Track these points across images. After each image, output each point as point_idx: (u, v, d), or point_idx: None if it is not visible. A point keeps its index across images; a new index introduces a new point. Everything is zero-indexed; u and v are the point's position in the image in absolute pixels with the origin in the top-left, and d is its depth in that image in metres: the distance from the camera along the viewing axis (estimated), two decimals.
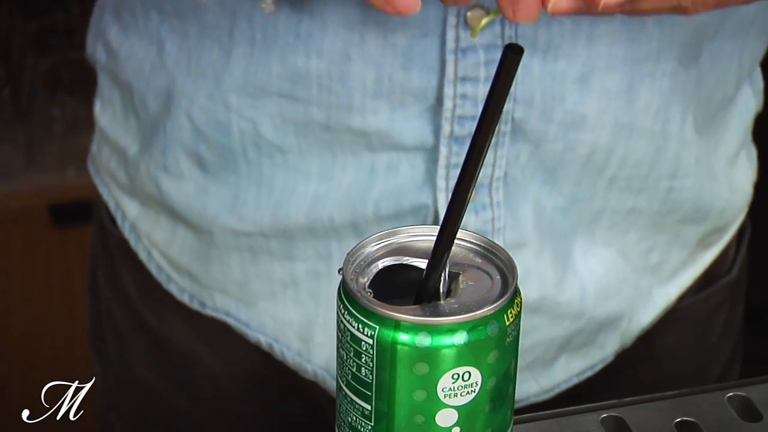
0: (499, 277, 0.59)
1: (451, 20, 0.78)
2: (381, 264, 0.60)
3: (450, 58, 0.79)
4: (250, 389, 0.97)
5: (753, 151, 0.99)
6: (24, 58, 1.83)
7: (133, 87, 0.90)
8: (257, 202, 0.87)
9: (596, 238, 0.90)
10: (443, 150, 0.82)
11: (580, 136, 0.83)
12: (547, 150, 0.83)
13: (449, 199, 0.57)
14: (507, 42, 0.79)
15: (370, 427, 0.58)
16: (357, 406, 0.58)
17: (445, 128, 0.81)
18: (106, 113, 0.94)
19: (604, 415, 0.72)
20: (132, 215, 0.95)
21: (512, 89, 0.80)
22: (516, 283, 0.58)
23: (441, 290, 0.58)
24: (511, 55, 0.52)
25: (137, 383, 1.00)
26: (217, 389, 0.98)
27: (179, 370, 0.98)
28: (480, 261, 0.60)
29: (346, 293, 0.58)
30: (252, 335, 0.93)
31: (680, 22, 0.82)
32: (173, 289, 0.95)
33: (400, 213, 0.85)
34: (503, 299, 0.57)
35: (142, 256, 0.95)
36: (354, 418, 0.59)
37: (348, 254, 0.59)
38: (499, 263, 0.60)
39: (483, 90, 0.80)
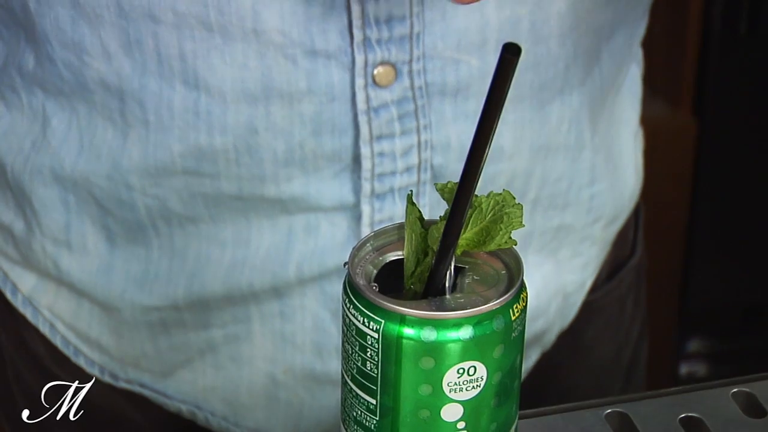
0: (504, 271, 0.59)
1: (359, 82, 0.76)
2: (386, 258, 0.60)
3: (363, 119, 0.77)
4: None
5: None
6: None
7: (7, 164, 0.84)
8: (169, 274, 0.83)
9: (528, 261, 0.88)
10: (365, 208, 0.80)
11: (499, 166, 0.81)
12: None
13: (452, 198, 0.57)
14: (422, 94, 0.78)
15: (375, 422, 0.58)
16: (362, 400, 0.58)
17: (366, 188, 0.79)
18: None
19: (609, 411, 0.72)
20: (27, 288, 0.89)
21: (429, 137, 0.79)
22: (522, 278, 0.58)
23: (447, 285, 0.58)
24: (508, 57, 0.52)
25: None
26: None
27: (102, 428, 0.92)
28: (486, 256, 0.59)
29: (351, 287, 0.57)
30: (172, 404, 0.90)
31: (583, 32, 0.80)
32: (82, 362, 0.90)
33: (324, 273, 0.83)
34: (509, 294, 0.57)
35: (44, 329, 0.90)
36: (359, 412, 0.58)
37: (354, 248, 0.59)
38: (504, 258, 0.59)
39: (400, 144, 0.79)
